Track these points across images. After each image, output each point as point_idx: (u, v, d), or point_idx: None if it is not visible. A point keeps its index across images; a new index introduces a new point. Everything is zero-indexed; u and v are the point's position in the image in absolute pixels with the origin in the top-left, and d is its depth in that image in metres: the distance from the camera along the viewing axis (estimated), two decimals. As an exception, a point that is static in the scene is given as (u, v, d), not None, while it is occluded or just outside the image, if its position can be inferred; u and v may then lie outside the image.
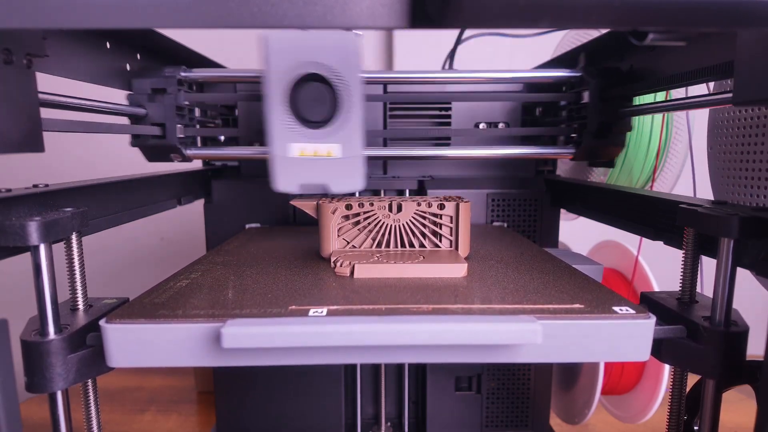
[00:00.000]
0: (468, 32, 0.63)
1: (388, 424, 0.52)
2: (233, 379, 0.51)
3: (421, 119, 0.52)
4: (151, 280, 0.32)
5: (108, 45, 0.38)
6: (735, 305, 0.27)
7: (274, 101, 0.31)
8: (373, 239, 0.36)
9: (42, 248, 0.26)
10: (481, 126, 0.52)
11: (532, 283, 0.30)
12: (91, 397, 0.28)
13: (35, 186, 0.30)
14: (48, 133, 0.28)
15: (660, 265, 0.53)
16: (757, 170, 0.32)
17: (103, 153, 0.83)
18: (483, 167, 0.53)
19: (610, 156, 0.44)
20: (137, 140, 0.42)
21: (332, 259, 0.33)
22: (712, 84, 0.37)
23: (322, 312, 0.25)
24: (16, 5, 0.16)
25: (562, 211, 0.52)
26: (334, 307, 0.26)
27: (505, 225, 0.51)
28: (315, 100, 0.31)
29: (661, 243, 0.35)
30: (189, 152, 0.43)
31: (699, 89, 0.40)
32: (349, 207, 0.36)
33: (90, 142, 0.83)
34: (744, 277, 0.28)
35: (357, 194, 0.51)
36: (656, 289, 0.51)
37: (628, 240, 0.52)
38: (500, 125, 0.52)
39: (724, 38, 0.30)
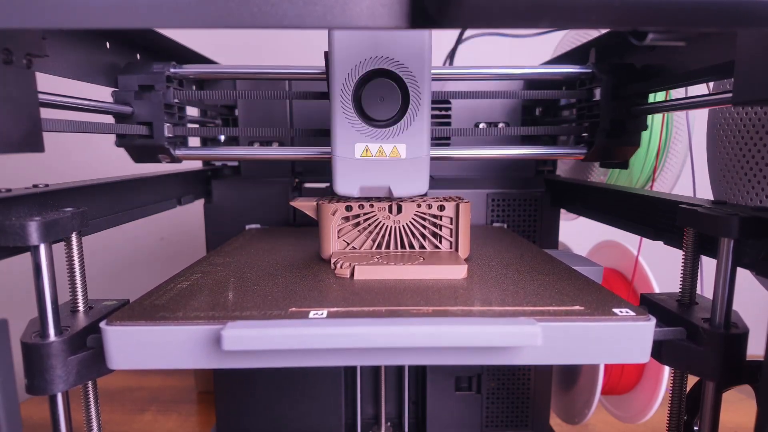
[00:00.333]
0: (468, 32, 0.63)
1: (388, 424, 0.52)
2: (233, 379, 0.51)
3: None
4: (151, 280, 0.32)
5: (108, 45, 0.38)
6: (735, 305, 0.27)
7: (338, 99, 0.30)
8: (373, 241, 0.36)
9: (42, 248, 0.26)
10: (481, 126, 0.52)
11: (532, 284, 0.30)
12: (92, 399, 0.28)
13: (35, 186, 0.30)
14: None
15: (660, 266, 0.53)
16: (757, 170, 0.32)
17: (100, 153, 0.83)
18: (483, 167, 0.53)
19: (624, 156, 0.42)
20: (123, 140, 0.39)
21: (332, 261, 0.33)
22: (711, 84, 0.37)
23: (322, 314, 0.25)
24: (16, 5, 0.16)
25: (562, 211, 0.52)
26: (335, 309, 0.26)
27: (505, 226, 0.51)
28: (382, 97, 0.30)
29: (661, 243, 0.35)
30: (178, 152, 0.41)
31: (699, 89, 0.40)
32: (349, 208, 0.36)
33: (87, 142, 0.82)
34: (744, 277, 0.28)
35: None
36: (656, 289, 0.51)
37: (628, 240, 0.52)
38: (500, 125, 0.51)
39: (726, 38, 0.30)
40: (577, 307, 0.26)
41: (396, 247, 0.36)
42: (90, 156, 0.83)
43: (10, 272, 0.65)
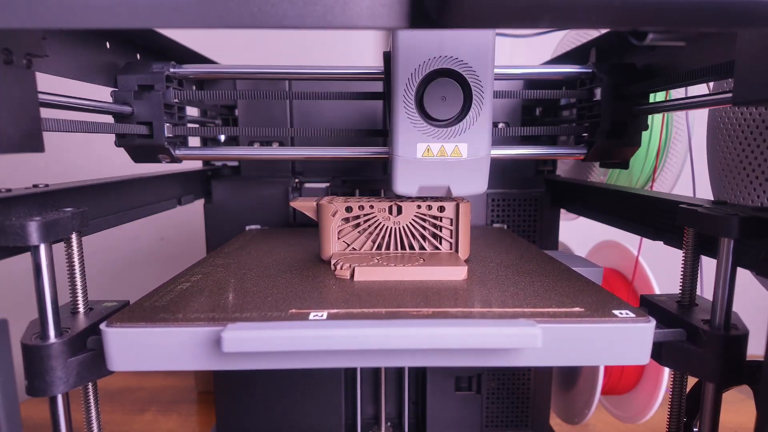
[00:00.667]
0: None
1: (388, 424, 0.52)
2: (233, 379, 0.51)
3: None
4: (151, 280, 0.32)
5: (108, 45, 0.38)
6: (735, 305, 0.27)
7: (400, 99, 0.30)
8: (373, 242, 0.36)
9: (42, 248, 0.26)
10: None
11: (532, 286, 0.30)
12: (92, 400, 0.28)
13: (35, 186, 0.30)
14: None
15: (660, 266, 0.53)
16: (757, 170, 0.32)
17: (99, 154, 0.83)
18: (483, 167, 0.53)
19: (624, 156, 0.42)
20: (123, 140, 0.39)
21: (332, 262, 0.33)
22: (711, 84, 0.37)
23: (322, 316, 0.25)
24: (16, 5, 0.16)
25: (562, 211, 0.52)
26: (335, 311, 0.26)
27: (505, 226, 0.51)
28: (444, 96, 0.30)
29: (661, 243, 0.35)
30: (178, 152, 0.41)
31: (699, 89, 0.40)
32: (349, 209, 0.36)
33: (86, 142, 0.82)
34: (744, 277, 0.28)
35: (357, 194, 0.51)
36: (656, 288, 0.51)
37: (628, 240, 0.52)
38: (500, 125, 0.51)
39: (726, 38, 0.30)
40: (577, 309, 0.26)
41: (396, 248, 0.36)
42: (89, 156, 0.83)
43: (11, 272, 0.65)
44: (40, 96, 0.28)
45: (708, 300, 0.29)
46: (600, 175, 0.58)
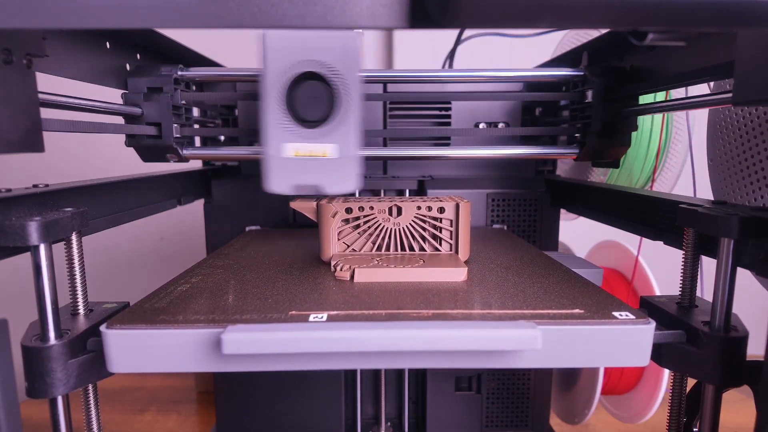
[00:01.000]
0: (468, 32, 0.63)
1: (388, 424, 0.52)
2: (233, 379, 0.51)
3: (421, 119, 0.52)
4: (151, 280, 0.32)
5: (108, 45, 0.38)
6: (735, 305, 0.27)
7: (269, 100, 0.30)
8: (373, 243, 0.36)
9: (42, 248, 0.25)
10: (480, 126, 0.52)
11: (532, 287, 0.30)
12: (92, 401, 0.28)
13: (35, 186, 0.30)
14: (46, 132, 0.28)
15: (660, 266, 0.53)
16: (757, 170, 0.32)
17: (106, 154, 0.83)
18: (483, 167, 0.53)
19: (615, 156, 0.44)
20: (132, 140, 0.41)
21: (332, 263, 0.33)
22: (712, 84, 0.37)
23: (322, 317, 0.25)
24: (16, 5, 0.16)
25: (562, 211, 0.52)
26: (335, 313, 0.26)
27: (505, 227, 0.51)
28: (312, 98, 0.31)
29: (661, 243, 0.35)
30: (186, 152, 0.43)
31: (699, 89, 0.40)
32: (349, 210, 0.36)
33: (92, 143, 0.83)
34: (744, 277, 0.28)
35: (357, 194, 0.51)
36: (656, 289, 0.51)
37: (628, 240, 0.52)
38: (500, 125, 0.52)
39: (726, 38, 0.30)
40: (577, 311, 0.26)
41: (396, 249, 0.36)
42: (92, 156, 0.83)
43: (11, 272, 0.65)
44: (46, 96, 0.28)
45: (708, 301, 0.29)
46: (600, 175, 0.58)
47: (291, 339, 0.23)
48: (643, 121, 0.53)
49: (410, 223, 0.36)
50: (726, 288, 0.27)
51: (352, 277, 0.32)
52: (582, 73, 0.42)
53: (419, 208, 0.36)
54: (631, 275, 0.54)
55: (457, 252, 0.36)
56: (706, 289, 0.39)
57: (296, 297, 0.28)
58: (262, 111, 0.31)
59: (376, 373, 0.51)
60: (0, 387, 0.21)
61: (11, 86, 0.25)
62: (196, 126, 0.47)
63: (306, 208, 0.37)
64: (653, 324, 0.24)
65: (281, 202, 0.51)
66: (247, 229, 0.50)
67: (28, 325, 0.27)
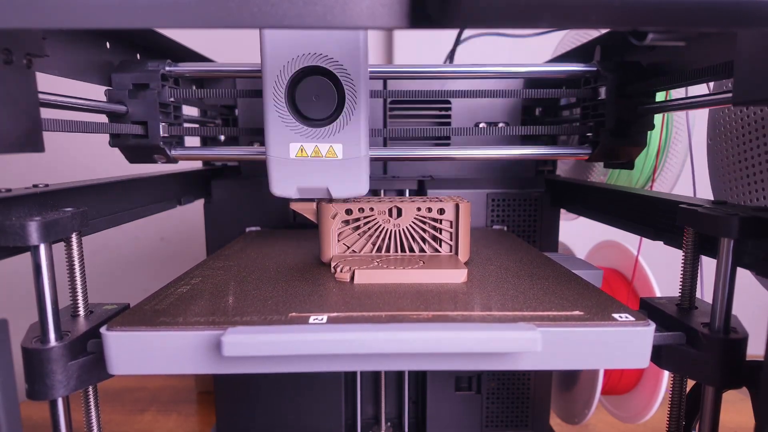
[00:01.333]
0: (468, 32, 0.63)
1: (388, 424, 0.52)
2: (233, 379, 0.51)
3: (422, 119, 0.52)
4: (151, 280, 0.32)
5: (108, 45, 0.38)
6: (735, 305, 0.27)
7: (270, 97, 0.29)
8: (373, 244, 0.36)
9: (42, 248, 0.25)
10: (481, 125, 0.51)
11: (532, 289, 0.30)
12: (92, 403, 0.28)
13: (35, 186, 0.30)
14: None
15: (660, 266, 0.53)
16: (757, 170, 0.32)
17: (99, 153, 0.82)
18: (483, 167, 0.53)
19: (629, 156, 0.42)
20: (117, 140, 0.38)
21: (332, 265, 0.33)
22: (711, 84, 0.37)
23: (322, 319, 0.25)
24: (16, 5, 0.16)
25: (562, 211, 0.52)
26: (335, 314, 0.26)
27: (505, 228, 0.51)
28: (316, 95, 0.29)
29: (661, 243, 0.35)
30: (174, 153, 0.40)
31: (699, 89, 0.40)
32: (349, 212, 0.36)
33: (85, 142, 0.82)
34: (744, 277, 0.28)
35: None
36: (656, 289, 0.51)
37: (628, 240, 0.52)
38: (500, 125, 0.51)
39: (726, 38, 0.30)
40: (576, 312, 0.26)
41: (396, 251, 0.36)
42: (88, 156, 0.83)
43: (11, 272, 0.65)
44: (40, 96, 0.28)
45: (708, 303, 0.29)
46: (600, 175, 0.58)
47: (291, 341, 0.23)
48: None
49: (410, 225, 0.36)
50: (726, 288, 0.27)
51: (352, 278, 0.32)
52: (595, 69, 0.40)
53: (419, 209, 0.36)
54: (631, 275, 0.54)
55: (457, 253, 0.36)
56: (706, 290, 0.39)
57: (296, 298, 0.28)
58: (263, 109, 0.30)
59: (376, 373, 0.51)
60: (0, 387, 0.21)
61: (11, 86, 0.25)
62: (189, 125, 0.45)
63: (306, 209, 0.37)
64: (653, 326, 0.24)
65: (281, 203, 0.51)
66: (248, 230, 0.50)
67: (28, 327, 0.27)
